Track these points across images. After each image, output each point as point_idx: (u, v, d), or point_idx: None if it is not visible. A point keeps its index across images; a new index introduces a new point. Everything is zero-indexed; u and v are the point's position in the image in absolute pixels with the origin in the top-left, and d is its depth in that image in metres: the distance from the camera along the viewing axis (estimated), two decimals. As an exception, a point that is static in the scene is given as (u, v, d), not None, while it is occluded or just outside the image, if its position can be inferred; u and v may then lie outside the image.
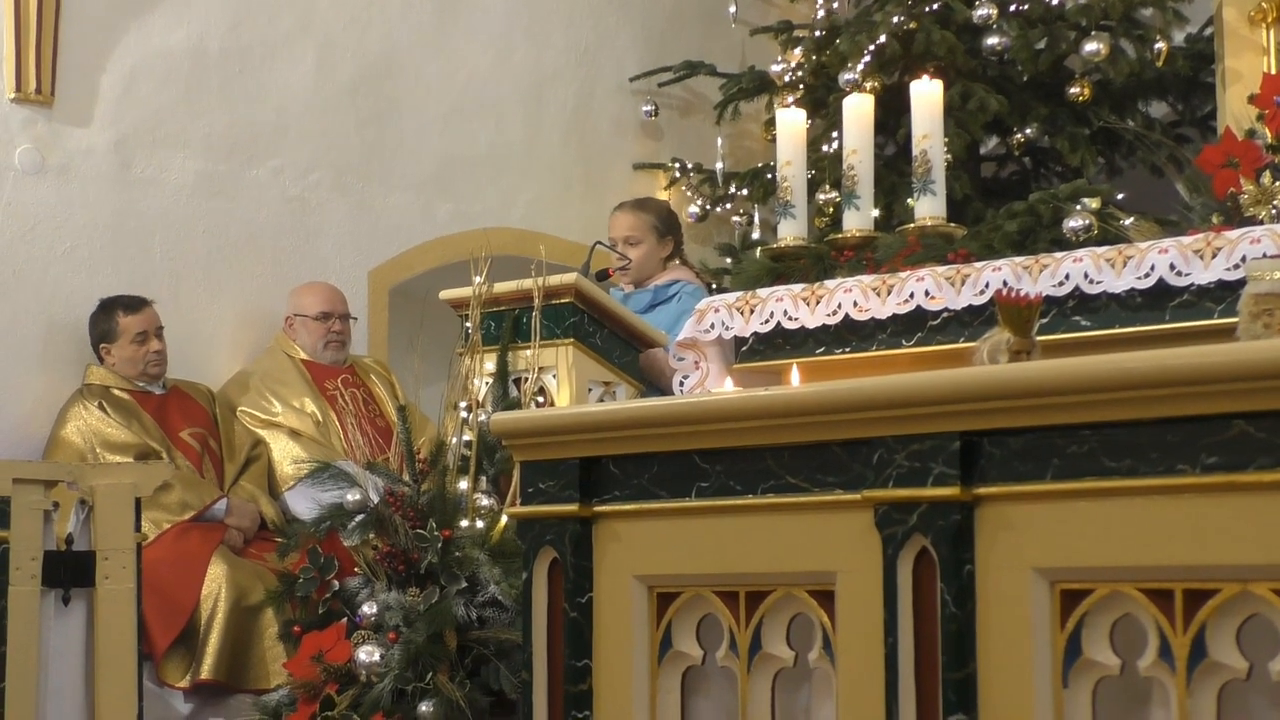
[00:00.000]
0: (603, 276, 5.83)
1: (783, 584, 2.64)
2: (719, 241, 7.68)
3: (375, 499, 4.63)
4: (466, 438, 4.83)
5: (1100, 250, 4.41)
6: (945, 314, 4.68)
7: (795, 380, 3.62)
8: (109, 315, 5.95)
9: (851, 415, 2.52)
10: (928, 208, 4.92)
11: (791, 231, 5.15)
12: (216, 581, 5.48)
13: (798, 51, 7.29)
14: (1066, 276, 4.42)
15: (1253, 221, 4.27)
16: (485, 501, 4.70)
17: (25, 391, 5.94)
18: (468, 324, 5.15)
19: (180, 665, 5.43)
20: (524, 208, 7.32)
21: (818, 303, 4.92)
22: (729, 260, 7.28)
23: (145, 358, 5.92)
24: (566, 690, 2.89)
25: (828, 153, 6.84)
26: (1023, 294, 3.49)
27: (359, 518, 4.60)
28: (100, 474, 4.61)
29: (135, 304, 5.98)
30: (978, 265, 4.64)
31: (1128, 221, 4.60)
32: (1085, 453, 2.29)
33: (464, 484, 4.71)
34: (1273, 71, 5.09)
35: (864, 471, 2.51)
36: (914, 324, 4.76)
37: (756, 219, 7.50)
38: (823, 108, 7.13)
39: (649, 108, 7.65)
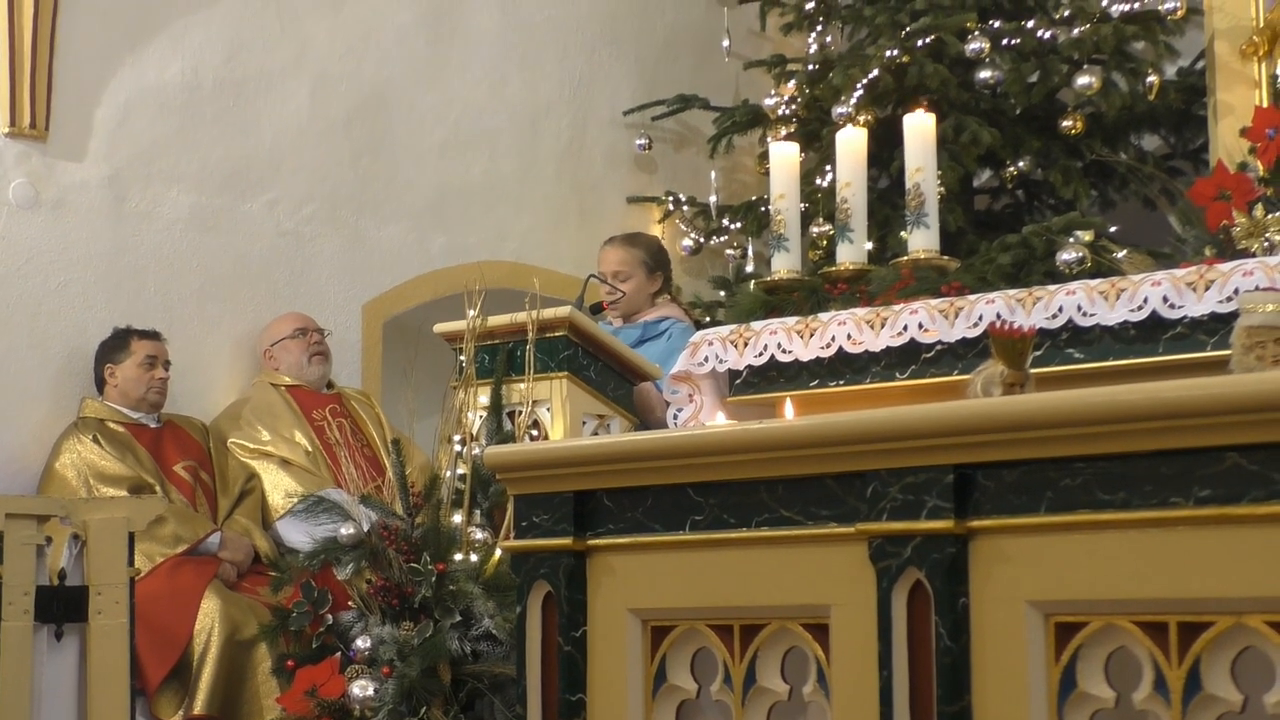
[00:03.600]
0: (596, 310, 5.83)
1: (777, 617, 2.64)
2: (712, 275, 7.69)
3: (366, 528, 4.63)
4: (460, 471, 4.83)
5: (1093, 283, 4.42)
6: (939, 347, 4.68)
7: (789, 413, 3.61)
8: (122, 338, 6.01)
9: (845, 448, 2.52)
10: (921, 240, 4.93)
11: (785, 265, 5.15)
12: (210, 616, 5.46)
13: (791, 85, 7.31)
14: (1060, 309, 4.42)
15: (1245, 254, 4.28)
16: (479, 535, 4.70)
17: (19, 426, 5.93)
18: (461, 357, 5.15)
19: (173, 700, 5.40)
20: (518, 240, 7.32)
21: (811, 336, 4.92)
22: (723, 293, 7.29)
23: (149, 382, 5.96)
24: (561, 724, 2.88)
25: (821, 186, 6.86)
26: (1016, 326, 3.49)
27: (353, 551, 4.59)
28: (93, 508, 4.59)
29: (150, 333, 6.07)
30: (971, 298, 4.64)
31: (1120, 254, 4.61)
32: (1079, 485, 2.29)
33: (458, 517, 4.70)
34: (1264, 105, 5.11)
35: (858, 504, 2.51)
36: (908, 357, 4.76)
37: (750, 252, 7.51)
38: (816, 141, 7.15)
39: (642, 141, 7.66)
